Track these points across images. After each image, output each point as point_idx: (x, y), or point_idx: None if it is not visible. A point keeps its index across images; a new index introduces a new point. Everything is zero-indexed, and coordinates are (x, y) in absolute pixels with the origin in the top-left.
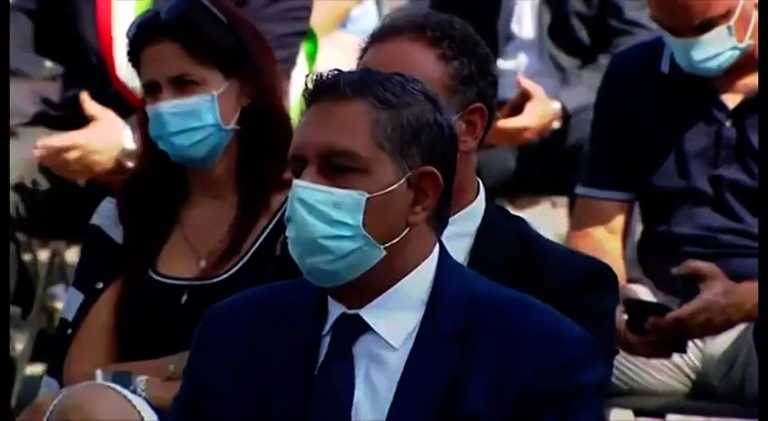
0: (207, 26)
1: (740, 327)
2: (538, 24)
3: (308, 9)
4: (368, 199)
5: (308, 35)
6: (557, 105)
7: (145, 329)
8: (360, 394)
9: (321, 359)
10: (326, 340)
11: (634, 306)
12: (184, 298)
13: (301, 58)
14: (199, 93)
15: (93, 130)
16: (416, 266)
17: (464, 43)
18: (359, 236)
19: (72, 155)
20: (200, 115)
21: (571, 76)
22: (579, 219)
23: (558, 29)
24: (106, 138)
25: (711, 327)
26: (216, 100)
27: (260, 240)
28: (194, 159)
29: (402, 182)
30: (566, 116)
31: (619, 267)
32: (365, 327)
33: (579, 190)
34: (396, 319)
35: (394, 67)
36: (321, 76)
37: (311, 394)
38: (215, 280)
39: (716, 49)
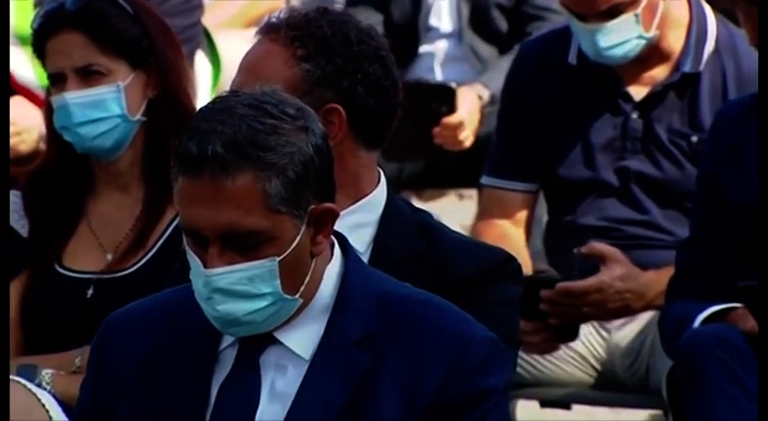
0: (112, 17)
1: (645, 318)
2: (457, 17)
3: None
4: (279, 262)
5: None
6: (485, 93)
7: (50, 323)
8: (265, 404)
9: (228, 370)
10: (232, 350)
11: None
12: (90, 291)
13: (203, 59)
14: (105, 83)
15: (20, 107)
16: (322, 280)
17: (324, 43)
18: (279, 299)
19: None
20: (105, 106)
21: (490, 66)
22: (484, 209)
23: (478, 20)
24: (32, 117)
25: (607, 311)
26: (122, 91)
27: (166, 233)
28: (100, 150)
29: (303, 231)
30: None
31: (523, 257)
32: (273, 340)
33: (484, 179)
34: (304, 330)
35: (254, 67)
36: (194, 144)
37: (208, 406)
38: (121, 273)
39: (622, 36)
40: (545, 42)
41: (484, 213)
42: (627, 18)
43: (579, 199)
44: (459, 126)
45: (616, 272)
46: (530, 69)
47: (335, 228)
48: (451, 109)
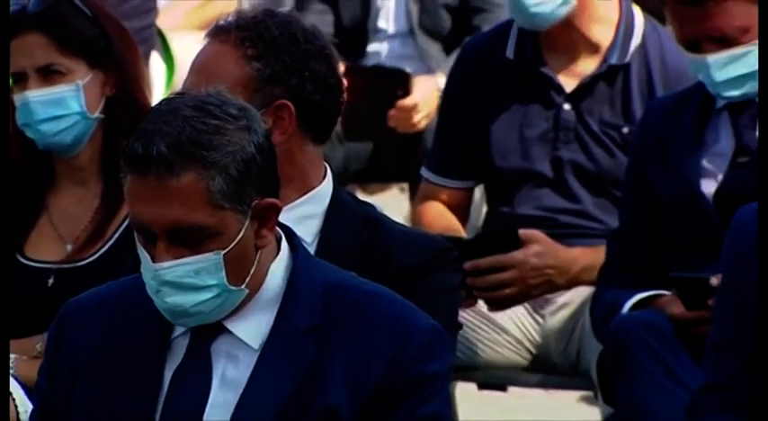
0: (72, 18)
1: (577, 303)
2: (406, 19)
3: (154, 0)
4: (224, 255)
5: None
6: (442, 80)
7: (12, 311)
8: (217, 391)
9: (181, 357)
10: (184, 338)
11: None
12: (51, 280)
13: (158, 59)
14: (65, 82)
15: None
16: (269, 272)
17: (273, 43)
18: (225, 290)
19: None
20: (65, 103)
21: (439, 60)
22: (422, 198)
23: (427, 21)
24: None
25: (531, 287)
26: (81, 89)
27: (123, 225)
28: (60, 146)
29: (247, 225)
30: None
31: (460, 232)
32: (223, 329)
33: (423, 172)
34: (253, 320)
35: (206, 67)
36: (140, 145)
37: (161, 393)
38: (80, 263)
39: None
40: (486, 39)
41: (422, 200)
42: None
43: (516, 189)
44: (413, 108)
45: (531, 249)
46: (470, 65)
47: (283, 219)
48: (407, 92)
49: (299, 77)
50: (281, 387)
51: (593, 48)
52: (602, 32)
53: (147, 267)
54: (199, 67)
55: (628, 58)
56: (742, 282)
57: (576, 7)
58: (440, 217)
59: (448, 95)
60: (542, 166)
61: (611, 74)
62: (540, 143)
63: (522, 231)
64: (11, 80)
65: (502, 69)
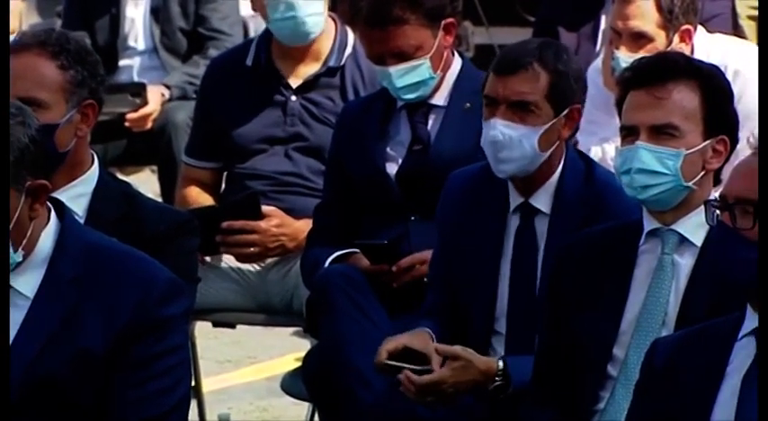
0: None
1: (293, 261)
2: (151, 38)
3: None
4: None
5: None
6: (166, 92)
7: None
8: (12, 335)
9: None
10: None
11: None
12: None
13: None
14: None
15: None
16: (40, 237)
17: (77, 55)
18: (14, 262)
19: None
20: None
21: (174, 72)
22: (184, 178)
23: (166, 40)
24: None
25: (269, 250)
26: None
27: None
28: None
29: (22, 201)
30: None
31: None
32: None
33: (183, 157)
34: (29, 275)
35: (25, 77)
36: None
37: None
38: None
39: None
40: (230, 53)
41: (184, 182)
42: None
43: (252, 159)
44: (149, 115)
45: (273, 221)
46: (216, 73)
47: (62, 198)
48: (145, 100)
49: (95, 82)
50: (47, 326)
51: (316, 55)
52: (323, 43)
53: None
54: (17, 74)
55: (343, 62)
56: (450, 234)
57: None
58: (199, 196)
59: (200, 97)
60: (275, 142)
61: (330, 73)
62: (272, 126)
63: (264, 208)
64: None
65: (243, 74)
